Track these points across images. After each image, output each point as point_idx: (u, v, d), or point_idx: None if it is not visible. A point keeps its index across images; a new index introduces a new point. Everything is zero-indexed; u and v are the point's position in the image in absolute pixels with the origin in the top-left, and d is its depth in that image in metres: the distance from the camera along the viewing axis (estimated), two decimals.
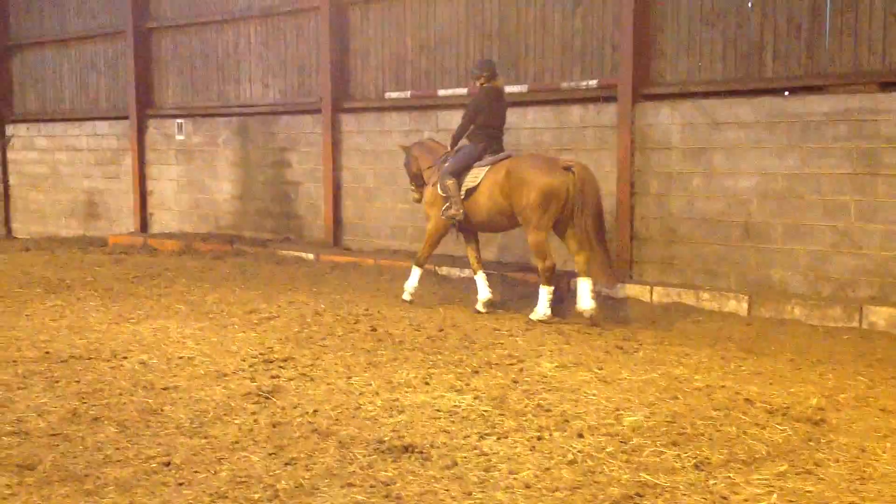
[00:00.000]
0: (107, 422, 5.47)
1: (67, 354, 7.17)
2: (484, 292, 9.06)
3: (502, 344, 7.52)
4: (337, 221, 12.90)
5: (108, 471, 4.65)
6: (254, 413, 5.63)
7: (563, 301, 9.21)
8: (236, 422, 5.45)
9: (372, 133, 12.49)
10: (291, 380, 6.39)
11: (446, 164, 9.15)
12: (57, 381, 6.38)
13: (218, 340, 7.66)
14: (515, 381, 6.31)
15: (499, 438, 5.09)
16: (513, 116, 11.00)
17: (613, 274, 8.80)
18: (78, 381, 6.38)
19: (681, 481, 4.46)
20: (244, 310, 9.00)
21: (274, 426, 5.36)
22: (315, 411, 5.64)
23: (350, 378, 6.43)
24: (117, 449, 4.98)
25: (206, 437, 5.17)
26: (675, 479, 4.49)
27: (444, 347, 7.38)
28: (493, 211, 8.85)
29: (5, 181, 18.01)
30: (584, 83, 10.40)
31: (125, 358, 7.06)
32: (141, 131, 15.47)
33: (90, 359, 7.04)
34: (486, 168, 8.91)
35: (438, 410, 5.63)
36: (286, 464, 4.72)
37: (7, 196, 18.00)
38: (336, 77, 12.76)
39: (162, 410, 5.69)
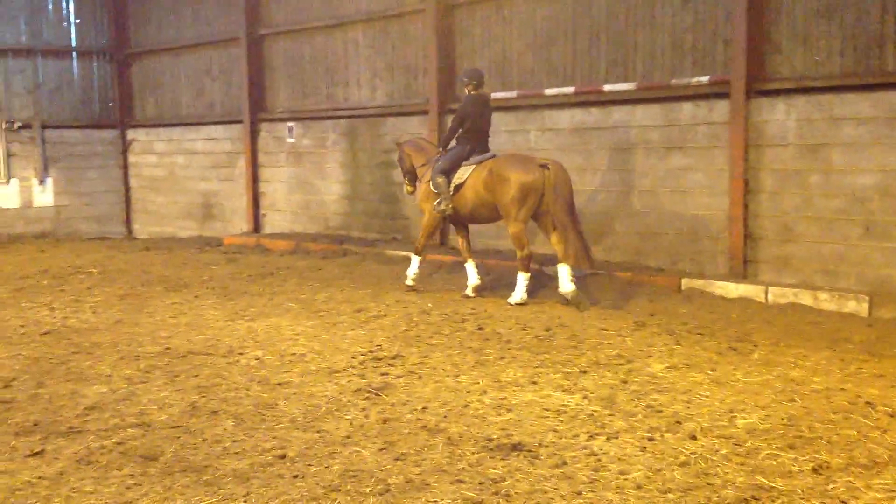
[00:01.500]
0: (224, 415, 5.64)
1: (186, 350, 7.42)
2: (473, 278, 9.83)
3: (611, 344, 7.44)
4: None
5: (225, 462, 4.80)
6: (364, 409, 5.72)
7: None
8: (347, 417, 5.55)
9: None
10: (400, 377, 6.47)
11: (437, 164, 9.93)
12: (177, 376, 6.62)
13: (328, 338, 7.81)
14: (625, 382, 6.24)
15: (608, 438, 5.05)
16: (620, 114, 10.91)
17: (589, 259, 9.32)
18: (196, 376, 6.60)
19: (798, 485, 4.34)
20: (353, 308, 9.15)
21: (384, 422, 5.43)
22: (424, 408, 5.69)
23: (458, 376, 6.47)
24: (234, 441, 5.14)
25: (318, 432, 5.28)
26: (793, 482, 4.37)
27: (551, 347, 7.36)
28: (478, 204, 9.66)
29: (126, 184, 18.75)
30: (695, 79, 10.19)
31: (241, 354, 7.27)
32: (253, 135, 15.89)
33: (208, 354, 7.28)
34: (473, 167, 9.70)
35: (547, 409, 5.62)
36: (396, 459, 4.78)
37: (128, 198, 18.74)
38: (442, 78, 12.84)
39: (276, 405, 5.84)
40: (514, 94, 12.08)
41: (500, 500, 4.21)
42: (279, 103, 15.71)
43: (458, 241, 10.29)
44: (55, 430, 5.39)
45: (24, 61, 17.59)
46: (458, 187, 9.73)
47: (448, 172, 9.78)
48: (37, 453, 4.98)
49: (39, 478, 4.61)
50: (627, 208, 10.86)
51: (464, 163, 9.78)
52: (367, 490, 4.35)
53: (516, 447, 4.89)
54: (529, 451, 4.84)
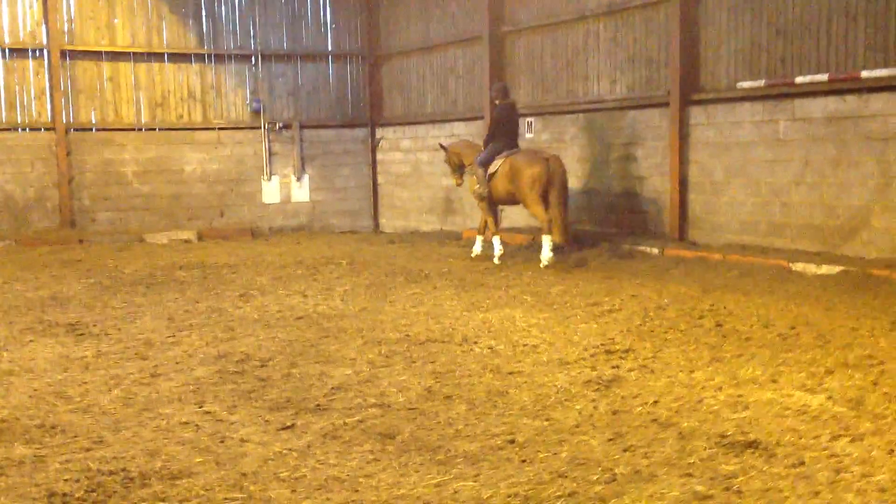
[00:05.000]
0: (458, 400, 5.83)
1: (424, 338, 7.72)
2: (498, 249, 12.50)
3: (861, 344, 6.96)
4: (682, 216, 12.65)
5: (458, 444, 4.97)
6: (594, 400, 5.72)
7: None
8: (577, 407, 5.58)
9: (721, 125, 12.11)
10: (632, 370, 6.41)
11: (477, 158, 12.69)
12: (415, 361, 6.90)
13: (561, 330, 7.85)
14: (875, 384, 5.84)
15: (853, 440, 4.75)
16: (879, 102, 10.18)
17: (567, 237, 12.10)
18: (433, 362, 6.85)
19: None
20: (587, 302, 9.14)
21: (613, 413, 5.41)
22: (655, 402, 5.61)
23: (692, 372, 6.32)
24: (466, 425, 5.30)
25: (547, 420, 5.35)
26: None
27: (795, 346, 7.00)
28: (504, 191, 12.35)
29: (374, 180, 19.68)
30: None
31: (475, 343, 7.47)
32: None
33: (444, 342, 7.53)
34: (501, 160, 12.34)
35: (786, 409, 5.37)
36: (625, 450, 4.75)
37: (376, 194, 19.67)
38: (685, 69, 12.50)
39: (507, 393, 5.96)
40: (761, 83, 11.56)
41: (732, 497, 4.09)
42: (520, 99, 15.88)
43: (489, 219, 12.85)
44: (305, 406, 5.78)
45: (286, 66, 18.92)
46: (491, 176, 12.41)
47: (485, 165, 12.50)
48: (288, 427, 5.37)
49: (289, 449, 4.97)
50: (886, 202, 10.12)
51: (496, 157, 12.41)
52: (594, 478, 4.36)
53: (751, 445, 4.72)
54: (766, 449, 4.66)
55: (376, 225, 19.66)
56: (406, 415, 5.55)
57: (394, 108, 19.37)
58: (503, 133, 12.61)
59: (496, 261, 12.35)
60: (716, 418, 5.25)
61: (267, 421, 5.50)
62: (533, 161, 11.97)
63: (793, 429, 5.00)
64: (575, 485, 4.30)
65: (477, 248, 12.99)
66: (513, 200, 12.62)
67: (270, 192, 18.79)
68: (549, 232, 11.72)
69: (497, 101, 12.85)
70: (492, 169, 12.45)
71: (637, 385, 6.03)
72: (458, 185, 13.89)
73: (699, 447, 4.74)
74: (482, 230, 13.09)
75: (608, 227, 13.96)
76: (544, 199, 11.91)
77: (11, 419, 5.61)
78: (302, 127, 18.98)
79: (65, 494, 4.35)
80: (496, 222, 13.01)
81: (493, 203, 12.87)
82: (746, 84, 11.74)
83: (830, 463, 4.44)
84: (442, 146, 14.01)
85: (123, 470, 4.66)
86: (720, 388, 5.87)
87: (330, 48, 19.36)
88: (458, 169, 13.54)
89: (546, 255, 11.68)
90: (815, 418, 5.18)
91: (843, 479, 4.23)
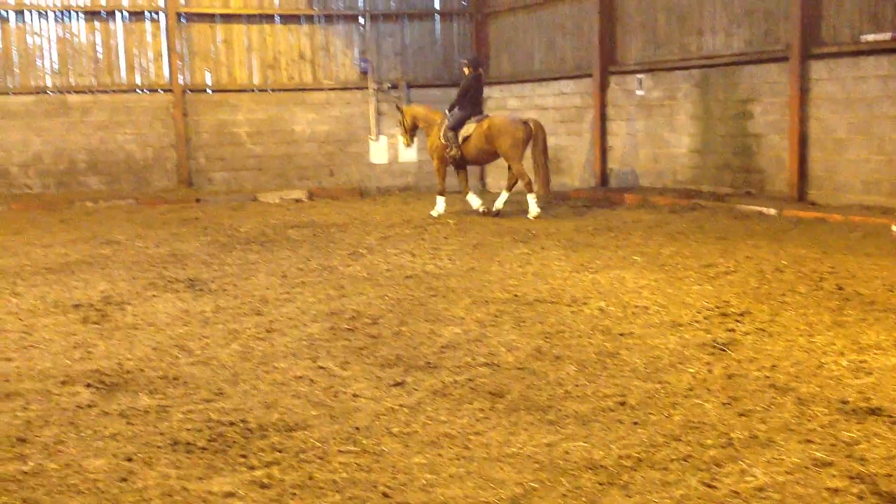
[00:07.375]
0: (567, 360, 5.79)
1: (533, 298, 7.69)
2: (475, 203, 13.91)
3: None
4: (802, 175, 12.21)
5: (567, 404, 4.94)
6: (708, 363, 5.60)
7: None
8: (690, 370, 5.48)
9: (844, 80, 11.60)
10: (748, 334, 6.25)
11: (446, 123, 13.61)
12: (523, 321, 6.88)
13: (673, 292, 7.71)
14: None
15: None
16: None
17: (549, 189, 13.55)
18: (542, 323, 6.82)
19: None
20: (700, 263, 8.94)
21: (728, 377, 5.30)
22: (773, 366, 5.47)
23: (812, 336, 6.12)
24: (576, 385, 5.27)
25: (659, 382, 5.27)
26: None
27: None
28: (479, 151, 13.48)
29: None
30: None
31: (584, 304, 7.40)
32: (603, 88, 15.90)
33: (553, 303, 7.48)
34: (474, 124, 13.40)
35: None
36: (740, 414, 4.65)
37: None
38: (805, 22, 12.00)
39: (618, 354, 5.89)
40: (887, 36, 11.01)
41: (854, 464, 3.96)
42: (630, 56, 15.57)
43: (458, 180, 14.19)
44: (415, 364, 5.84)
45: (393, 25, 18.94)
46: (465, 139, 13.41)
47: (455, 129, 13.50)
48: (399, 384, 5.43)
49: (400, 405, 5.03)
50: None
51: (466, 122, 13.42)
52: (709, 442, 4.28)
53: (874, 411, 4.56)
54: (890, 416, 4.50)
55: (483, 185, 19.60)
56: (515, 374, 5.55)
57: (500, 67, 19.19)
58: (470, 101, 13.62)
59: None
60: (837, 384, 5.08)
61: (378, 377, 5.58)
62: (516, 125, 13.13)
63: None
64: (689, 448, 4.23)
65: (439, 209, 13.82)
66: (485, 160, 13.99)
67: (378, 152, 18.92)
68: (537, 188, 13.22)
69: (467, 72, 13.72)
70: (464, 132, 13.45)
71: (753, 349, 5.88)
72: (408, 146, 14.70)
73: (819, 413, 4.60)
74: (442, 190, 13.99)
75: (722, 187, 13.61)
76: (532, 159, 13.25)
77: (136, 370, 5.84)
78: (409, 87, 19.00)
79: (188, 443, 4.51)
80: (467, 182, 14.16)
81: (459, 165, 13.83)
82: (871, 37, 11.21)
83: None
84: (398, 108, 14.84)
85: (243, 421, 4.81)
86: (842, 353, 5.67)
87: (437, 6, 19.27)
88: (411, 131, 14.37)
89: (534, 210, 13.09)
90: None
91: None
